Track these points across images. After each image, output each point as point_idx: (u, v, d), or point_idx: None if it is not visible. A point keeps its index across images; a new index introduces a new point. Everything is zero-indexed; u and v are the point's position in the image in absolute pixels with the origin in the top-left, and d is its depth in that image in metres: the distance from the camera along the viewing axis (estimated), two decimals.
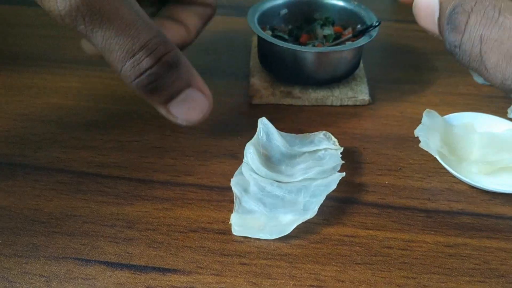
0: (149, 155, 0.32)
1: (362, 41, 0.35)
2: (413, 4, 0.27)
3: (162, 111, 0.29)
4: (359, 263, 0.26)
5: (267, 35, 0.36)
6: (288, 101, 0.37)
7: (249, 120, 0.35)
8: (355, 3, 0.40)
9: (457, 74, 0.41)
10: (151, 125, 0.35)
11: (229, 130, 0.34)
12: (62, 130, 0.34)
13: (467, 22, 0.24)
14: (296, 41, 0.40)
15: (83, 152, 0.32)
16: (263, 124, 0.30)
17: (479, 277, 0.25)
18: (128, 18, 0.25)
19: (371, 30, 0.36)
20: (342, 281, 0.25)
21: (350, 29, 0.39)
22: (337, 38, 0.39)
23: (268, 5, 0.39)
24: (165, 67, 0.27)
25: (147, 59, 0.26)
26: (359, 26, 0.39)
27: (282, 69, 0.37)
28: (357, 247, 0.27)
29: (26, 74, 0.40)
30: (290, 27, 0.41)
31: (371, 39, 0.35)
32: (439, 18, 0.26)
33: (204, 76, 0.40)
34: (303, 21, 0.41)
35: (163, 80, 0.27)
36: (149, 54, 0.26)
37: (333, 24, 0.41)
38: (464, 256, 0.26)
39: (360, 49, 0.36)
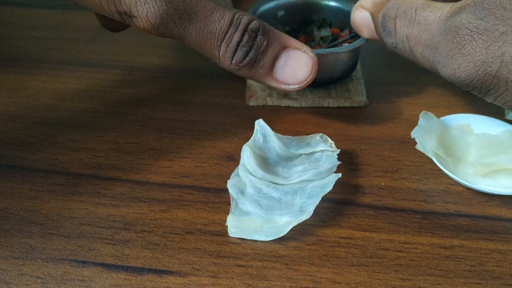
0: (146, 157, 0.32)
1: (359, 42, 0.35)
2: (351, 21, 0.32)
3: (272, 83, 0.30)
4: (355, 265, 0.26)
5: None
6: (285, 102, 0.37)
7: (246, 122, 0.35)
8: (352, 4, 0.40)
9: None
10: (148, 127, 0.35)
11: (226, 132, 0.34)
12: (59, 132, 0.34)
13: (395, 27, 0.28)
14: None
15: (80, 154, 0.32)
16: (260, 126, 0.30)
17: (474, 279, 0.25)
18: (210, 6, 0.28)
19: None
20: (338, 283, 0.25)
21: (347, 31, 0.39)
22: (334, 40, 0.39)
23: (265, 6, 0.39)
24: (253, 34, 0.28)
25: (236, 34, 0.28)
26: None
27: None
28: (353, 249, 0.27)
29: (23, 76, 0.40)
30: (287, 28, 0.41)
31: (368, 40, 0.35)
32: (375, 27, 0.30)
33: (201, 78, 0.40)
34: (301, 23, 0.41)
35: (256, 48, 0.29)
36: (236, 29, 0.28)
37: (330, 25, 0.41)
38: (460, 258, 0.26)
39: (357, 50, 0.36)
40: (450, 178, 0.30)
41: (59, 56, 0.43)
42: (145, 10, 0.26)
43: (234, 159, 0.32)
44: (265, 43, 0.29)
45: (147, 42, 0.45)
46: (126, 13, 0.27)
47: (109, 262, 0.25)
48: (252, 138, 0.30)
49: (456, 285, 0.25)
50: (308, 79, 0.30)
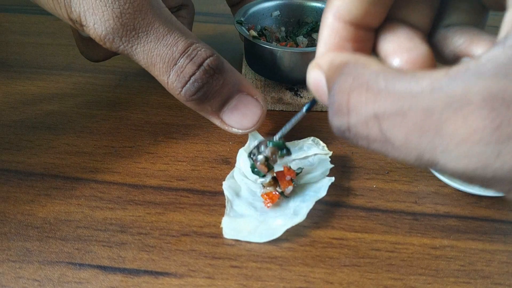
0: (142, 161, 0.33)
1: None
2: (307, 83, 0.21)
3: (216, 121, 0.29)
4: (348, 265, 0.26)
5: (244, 31, 0.37)
6: (278, 106, 0.38)
7: None
8: None
9: None
10: (144, 131, 0.35)
11: (221, 136, 0.35)
12: (56, 136, 0.34)
13: (348, 103, 0.18)
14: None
15: (76, 158, 0.32)
16: (253, 135, 0.31)
17: (464, 278, 0.26)
18: (163, 29, 0.26)
19: None
20: (331, 283, 0.25)
21: None
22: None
23: (260, 6, 0.41)
24: (209, 72, 0.26)
25: (189, 65, 0.26)
26: None
27: (260, 65, 0.38)
28: (346, 250, 0.27)
29: (20, 81, 0.40)
30: (283, 29, 0.42)
31: None
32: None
33: None
34: (296, 24, 0.42)
35: (210, 86, 0.27)
36: (191, 60, 0.26)
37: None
38: (450, 258, 0.27)
39: None
40: (440, 180, 0.31)
41: (56, 61, 0.43)
42: (92, 21, 0.25)
43: (228, 163, 0.32)
44: (220, 82, 0.27)
45: None
46: (77, 21, 0.26)
47: (105, 265, 0.26)
48: (248, 142, 0.31)
49: (446, 284, 0.26)
50: (254, 128, 0.29)
